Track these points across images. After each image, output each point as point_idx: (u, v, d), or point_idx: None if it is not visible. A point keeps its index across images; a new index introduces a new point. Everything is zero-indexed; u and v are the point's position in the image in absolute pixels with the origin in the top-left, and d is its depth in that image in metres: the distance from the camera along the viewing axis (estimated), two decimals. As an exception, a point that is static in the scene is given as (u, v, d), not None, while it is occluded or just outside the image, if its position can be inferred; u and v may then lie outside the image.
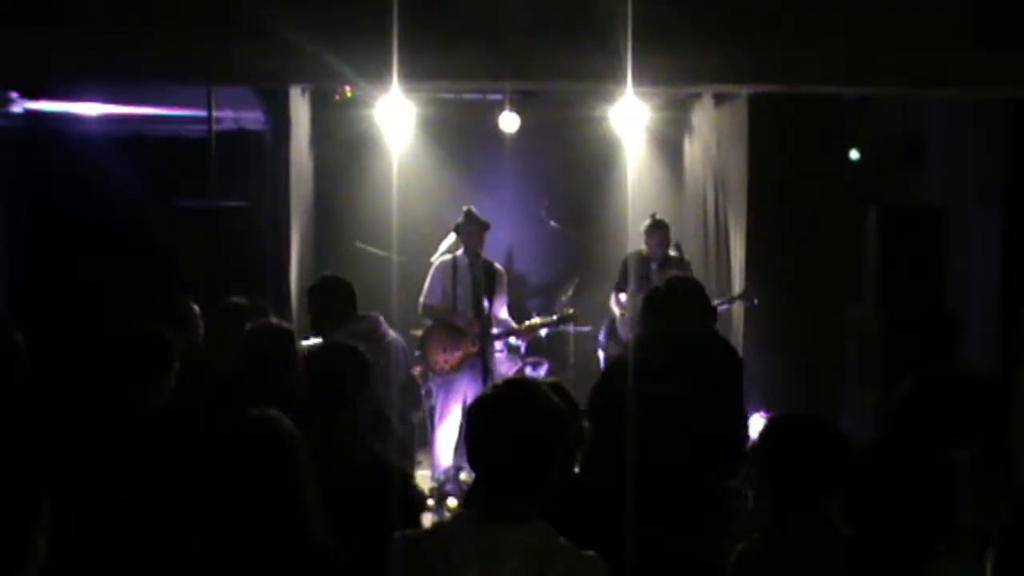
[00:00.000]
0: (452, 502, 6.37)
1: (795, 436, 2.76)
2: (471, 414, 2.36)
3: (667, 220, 7.78)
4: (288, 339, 4.24)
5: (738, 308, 7.46)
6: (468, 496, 2.63)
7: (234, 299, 5.00)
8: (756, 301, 7.19)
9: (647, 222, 7.60)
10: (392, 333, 5.53)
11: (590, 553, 2.32)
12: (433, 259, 7.22)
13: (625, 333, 7.57)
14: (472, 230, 6.98)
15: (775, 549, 2.67)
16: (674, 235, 7.70)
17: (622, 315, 7.66)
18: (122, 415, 3.52)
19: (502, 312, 7.15)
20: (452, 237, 7.24)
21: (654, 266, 7.44)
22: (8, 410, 3.70)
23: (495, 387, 2.38)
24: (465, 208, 7.08)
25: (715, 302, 7.31)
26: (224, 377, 4.21)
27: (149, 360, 3.68)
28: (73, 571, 2.96)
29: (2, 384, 3.79)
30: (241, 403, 2.71)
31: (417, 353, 6.85)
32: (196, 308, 4.83)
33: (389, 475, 3.24)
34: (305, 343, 6.24)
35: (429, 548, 2.29)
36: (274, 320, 4.47)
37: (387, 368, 5.06)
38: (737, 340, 7.34)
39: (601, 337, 8.04)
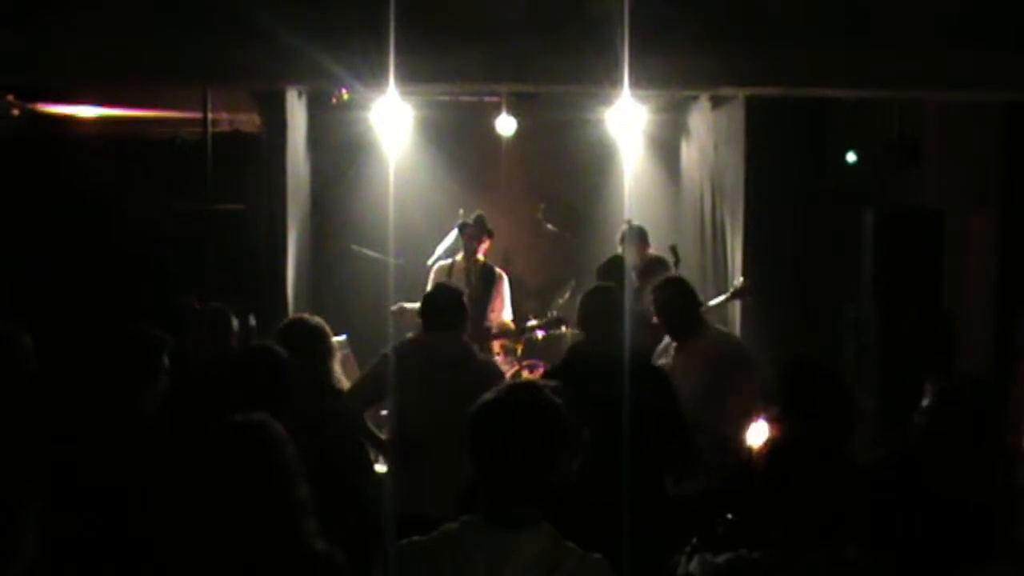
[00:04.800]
0: None
1: (800, 464, 2.56)
2: (475, 418, 2.33)
3: (663, 223, 7.78)
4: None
5: (734, 307, 7.43)
6: (462, 501, 2.60)
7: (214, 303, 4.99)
8: (750, 298, 7.17)
9: (623, 227, 7.50)
10: (482, 356, 5.05)
11: (596, 556, 2.31)
12: (430, 261, 7.22)
13: None
14: (474, 234, 6.98)
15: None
16: (670, 237, 7.67)
17: None
18: (115, 416, 3.52)
19: (502, 315, 7.14)
20: (451, 238, 7.23)
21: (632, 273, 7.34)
22: (8, 409, 3.71)
23: (498, 391, 2.35)
24: (475, 213, 7.11)
25: (711, 302, 7.37)
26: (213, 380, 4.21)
27: (138, 362, 3.68)
28: (67, 570, 2.96)
29: (6, 384, 3.80)
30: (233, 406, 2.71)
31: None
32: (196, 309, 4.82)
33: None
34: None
35: (435, 554, 2.27)
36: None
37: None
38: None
39: None
